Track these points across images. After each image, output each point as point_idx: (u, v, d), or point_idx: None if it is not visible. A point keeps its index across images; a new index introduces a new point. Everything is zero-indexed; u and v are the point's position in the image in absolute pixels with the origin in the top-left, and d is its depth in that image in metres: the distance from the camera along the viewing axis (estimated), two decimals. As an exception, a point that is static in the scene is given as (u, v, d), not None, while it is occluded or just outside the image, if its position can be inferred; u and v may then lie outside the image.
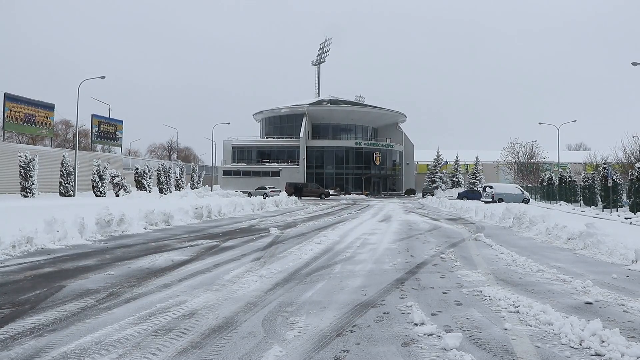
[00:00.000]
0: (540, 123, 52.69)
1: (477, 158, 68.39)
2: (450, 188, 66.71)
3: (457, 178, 69.19)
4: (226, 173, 64.10)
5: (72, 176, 34.64)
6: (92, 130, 51.69)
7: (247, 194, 40.91)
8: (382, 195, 62.17)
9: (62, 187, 34.54)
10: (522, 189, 40.57)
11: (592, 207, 28.63)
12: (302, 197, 45.91)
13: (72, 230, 10.89)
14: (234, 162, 65.68)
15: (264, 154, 65.79)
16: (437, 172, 68.78)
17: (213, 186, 60.17)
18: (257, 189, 46.72)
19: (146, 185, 41.57)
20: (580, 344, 4.01)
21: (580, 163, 57.51)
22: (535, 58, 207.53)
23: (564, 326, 4.34)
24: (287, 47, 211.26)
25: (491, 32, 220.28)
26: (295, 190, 47.14)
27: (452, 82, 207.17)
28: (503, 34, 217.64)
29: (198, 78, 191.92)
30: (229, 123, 65.69)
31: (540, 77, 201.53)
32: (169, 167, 47.50)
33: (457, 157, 70.26)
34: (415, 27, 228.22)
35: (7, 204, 21.69)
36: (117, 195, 35.65)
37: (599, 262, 8.57)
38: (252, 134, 76.25)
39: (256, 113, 72.96)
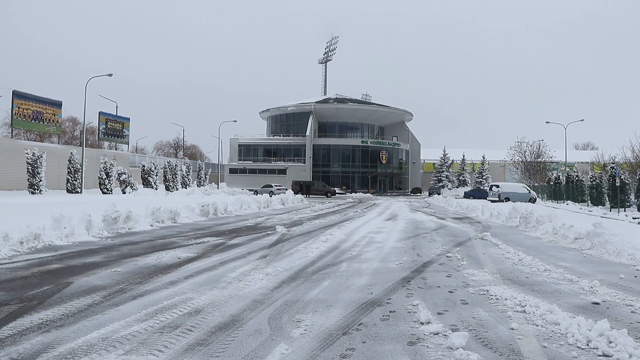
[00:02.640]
0: (547, 122, 52.35)
1: (483, 157, 68.12)
2: (457, 187, 66.49)
3: (463, 177, 68.94)
4: (232, 171, 64.25)
5: (79, 173, 34.86)
6: (99, 128, 51.94)
7: (253, 192, 40.99)
8: (388, 194, 62.05)
9: (69, 184, 34.80)
10: (529, 188, 40.38)
11: (600, 206, 28.43)
12: (309, 196, 45.97)
13: (79, 227, 10.96)
14: (240, 160, 65.82)
15: (270, 152, 65.88)
16: (443, 171, 68.57)
17: (219, 184, 60.27)
18: (263, 187, 46.80)
19: (153, 183, 41.73)
20: (588, 345, 3.98)
21: (588, 162, 57.11)
22: (542, 57, 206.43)
23: (571, 326, 4.31)
24: (292, 47, 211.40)
25: (497, 31, 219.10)
26: (301, 188, 47.26)
27: (458, 81, 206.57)
28: (509, 33, 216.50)
29: (204, 77, 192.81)
30: (235, 121, 66.15)
31: (547, 76, 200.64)
32: (176, 165, 47.65)
33: (463, 156, 70.00)
34: (422, 26, 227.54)
35: (15, 201, 21.87)
36: (124, 193, 35.80)
37: (606, 262, 8.50)
38: (258, 132, 76.50)
39: (263, 111, 73.02)
